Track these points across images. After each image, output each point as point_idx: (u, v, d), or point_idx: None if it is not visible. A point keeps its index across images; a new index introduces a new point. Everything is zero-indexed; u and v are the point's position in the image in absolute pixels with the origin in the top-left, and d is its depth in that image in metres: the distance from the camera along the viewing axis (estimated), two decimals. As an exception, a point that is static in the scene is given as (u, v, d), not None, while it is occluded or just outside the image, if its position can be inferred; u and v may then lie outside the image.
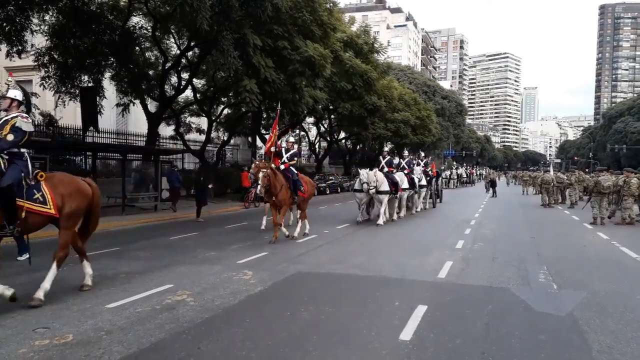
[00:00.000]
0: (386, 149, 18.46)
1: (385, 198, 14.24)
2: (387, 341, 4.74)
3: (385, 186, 14.03)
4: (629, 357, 4.46)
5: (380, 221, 14.04)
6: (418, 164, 19.45)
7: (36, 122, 21.12)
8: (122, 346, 4.52)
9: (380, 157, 16.34)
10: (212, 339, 4.75)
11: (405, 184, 16.12)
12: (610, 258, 9.52)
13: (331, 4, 21.02)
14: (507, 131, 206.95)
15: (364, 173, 13.95)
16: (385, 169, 15.50)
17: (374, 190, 13.59)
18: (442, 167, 53.52)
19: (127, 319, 5.32)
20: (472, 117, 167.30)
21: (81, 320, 5.25)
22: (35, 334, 4.82)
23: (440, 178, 24.67)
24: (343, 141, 37.54)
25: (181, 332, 4.94)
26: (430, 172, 20.88)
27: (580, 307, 6.01)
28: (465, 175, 50.89)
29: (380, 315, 5.59)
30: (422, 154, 22.57)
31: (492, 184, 32.22)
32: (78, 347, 4.48)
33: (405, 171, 16.86)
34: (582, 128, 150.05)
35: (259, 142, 30.21)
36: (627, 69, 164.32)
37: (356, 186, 14.65)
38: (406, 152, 18.71)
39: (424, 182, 18.73)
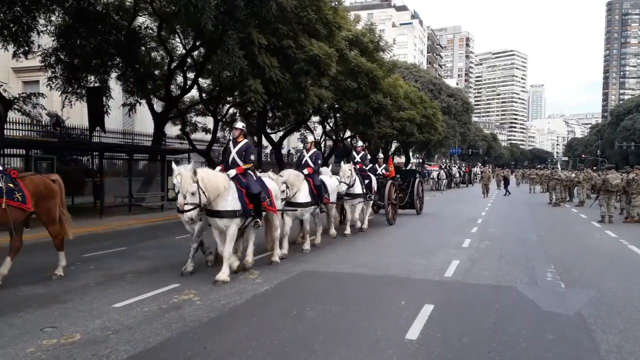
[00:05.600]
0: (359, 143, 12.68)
1: (232, 226, 7.21)
2: (394, 340, 4.73)
3: (229, 203, 7.16)
4: (637, 357, 4.42)
5: (223, 276, 6.95)
6: (353, 159, 13.29)
7: (43, 123, 21.31)
8: (129, 345, 4.54)
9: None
10: (218, 338, 4.76)
11: (302, 196, 9.28)
12: (619, 256, 9.45)
13: (336, 3, 20.92)
14: (513, 129, 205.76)
15: (181, 171, 6.68)
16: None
17: (193, 213, 6.62)
18: (454, 166, 51.93)
19: (134, 318, 5.34)
20: (478, 115, 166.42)
21: (88, 319, 5.28)
22: (43, 333, 4.85)
23: (416, 180, 17.56)
24: (348, 140, 37.42)
25: (187, 331, 4.95)
26: (378, 173, 14.49)
27: (588, 306, 5.97)
28: (459, 175, 45.64)
29: (386, 314, 5.57)
30: (360, 143, 14.78)
31: (504, 182, 32.21)
32: (85, 347, 4.50)
33: (306, 171, 9.70)
34: (589, 125, 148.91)
35: (265, 142, 30.23)
36: (635, 66, 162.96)
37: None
38: (310, 138, 10.67)
39: (358, 188, 12.02)
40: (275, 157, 31.43)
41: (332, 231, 11.49)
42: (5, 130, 16.21)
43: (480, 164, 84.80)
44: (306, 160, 10.08)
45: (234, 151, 7.76)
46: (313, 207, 9.71)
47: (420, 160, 60.93)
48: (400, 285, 6.96)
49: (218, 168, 7.73)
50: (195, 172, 6.63)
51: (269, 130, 30.08)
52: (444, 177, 38.41)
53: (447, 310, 5.76)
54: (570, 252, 9.95)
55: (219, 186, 7.04)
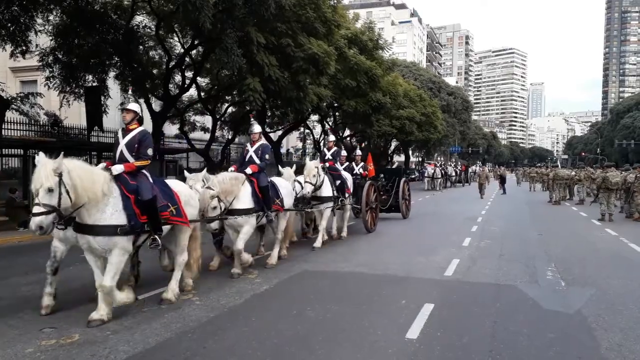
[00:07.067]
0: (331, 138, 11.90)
1: (114, 250, 5.18)
2: (394, 340, 4.71)
3: (107, 214, 5.11)
4: (638, 355, 4.41)
5: (98, 314, 5.14)
6: (323, 156, 11.30)
7: (41, 123, 21.29)
8: (129, 345, 4.52)
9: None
10: (217, 338, 4.74)
11: (243, 200, 7.37)
12: (619, 254, 9.44)
13: (335, 1, 20.91)
14: (513, 127, 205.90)
15: (42, 159, 4.64)
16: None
17: (44, 220, 4.57)
18: (449, 164, 51.86)
19: (133, 318, 5.32)
20: (478, 113, 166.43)
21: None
22: (42, 333, 4.83)
23: (402, 180, 15.07)
24: (348, 139, 37.45)
25: (187, 331, 4.94)
26: (355, 172, 12.74)
27: (588, 304, 5.95)
28: (455, 174, 43.76)
29: (386, 313, 5.56)
30: (332, 138, 12.10)
31: (501, 181, 32.13)
32: (84, 347, 4.48)
33: (249, 170, 7.79)
34: (589, 124, 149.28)
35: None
36: (634, 64, 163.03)
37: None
38: (257, 129, 8.62)
39: (327, 190, 10.10)
40: (274, 156, 31.40)
41: (280, 253, 8.49)
42: (2, 130, 16.21)
43: (479, 163, 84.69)
44: (250, 156, 8.02)
45: (122, 142, 5.64)
46: (256, 215, 7.56)
47: (420, 159, 60.88)
48: (400, 284, 6.95)
49: (102, 165, 5.64)
50: (59, 163, 4.64)
51: (267, 130, 30.07)
52: (439, 176, 36.54)
53: (448, 309, 5.74)
54: (570, 250, 9.93)
55: (95, 188, 4.98)
